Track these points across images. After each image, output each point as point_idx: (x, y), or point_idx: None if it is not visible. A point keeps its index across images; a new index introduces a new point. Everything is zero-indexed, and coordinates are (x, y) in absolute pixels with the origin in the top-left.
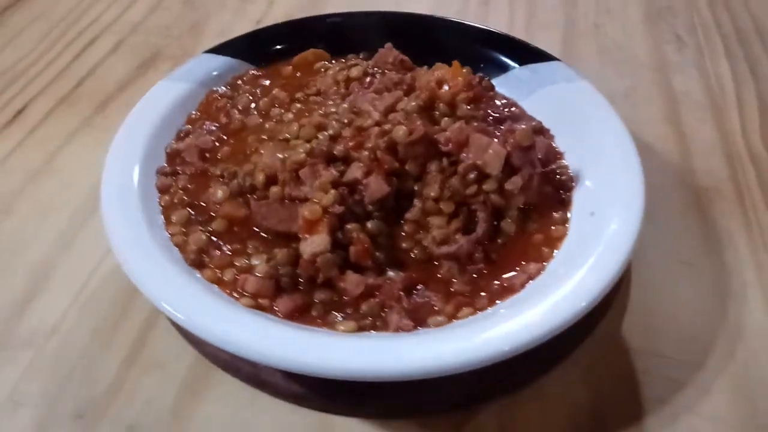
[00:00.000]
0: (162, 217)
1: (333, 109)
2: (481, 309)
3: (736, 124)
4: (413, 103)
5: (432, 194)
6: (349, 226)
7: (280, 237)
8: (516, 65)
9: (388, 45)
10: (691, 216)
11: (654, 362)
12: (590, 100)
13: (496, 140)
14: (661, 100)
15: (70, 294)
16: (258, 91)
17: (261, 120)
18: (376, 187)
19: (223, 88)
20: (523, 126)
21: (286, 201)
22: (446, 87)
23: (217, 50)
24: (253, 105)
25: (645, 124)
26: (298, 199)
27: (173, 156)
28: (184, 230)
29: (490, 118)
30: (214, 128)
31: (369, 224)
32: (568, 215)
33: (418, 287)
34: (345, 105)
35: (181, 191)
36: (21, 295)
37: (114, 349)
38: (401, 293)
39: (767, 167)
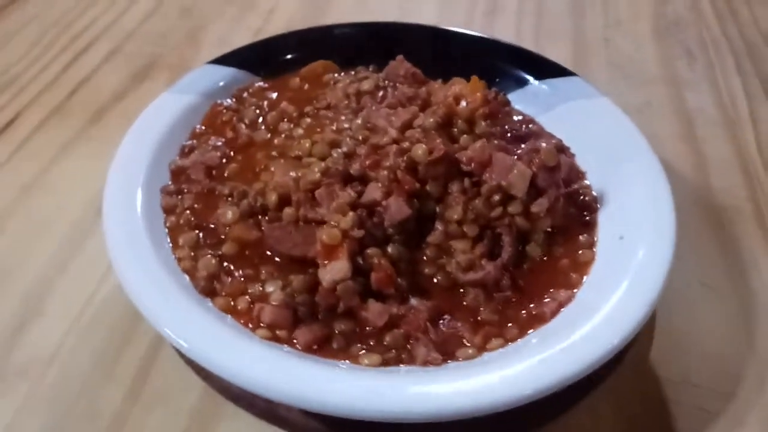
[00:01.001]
0: (168, 239)
1: (346, 125)
2: (512, 340)
3: (751, 142)
4: (431, 120)
5: (455, 217)
6: (369, 251)
7: (295, 262)
8: (533, 80)
9: (400, 57)
10: (711, 237)
11: (685, 392)
12: (611, 117)
13: (519, 160)
14: (675, 116)
15: (67, 319)
16: (265, 104)
17: (269, 135)
18: (396, 209)
19: (229, 100)
20: (547, 144)
21: (301, 223)
22: (464, 103)
23: (222, 61)
24: (260, 119)
25: (660, 140)
26: (314, 221)
27: (178, 174)
28: (192, 254)
29: (509, 135)
30: (220, 143)
31: (389, 248)
32: (595, 238)
33: (444, 316)
34: (358, 121)
35: (187, 212)
36: (14, 321)
37: (116, 381)
38: (427, 323)
39: None
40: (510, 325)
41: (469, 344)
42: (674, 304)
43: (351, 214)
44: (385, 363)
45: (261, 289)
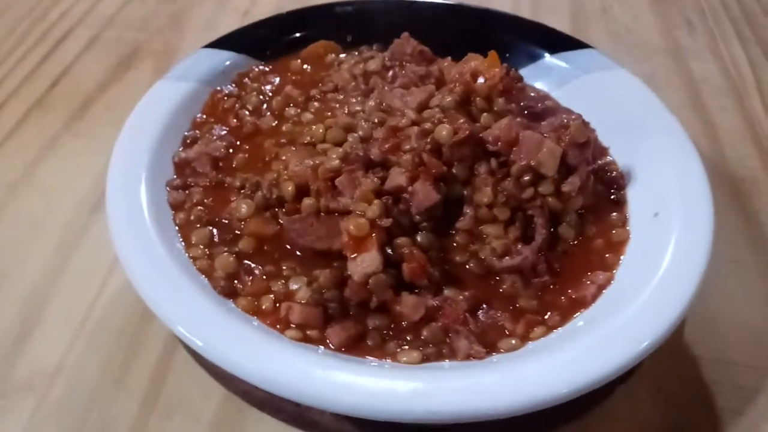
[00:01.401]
0: (180, 237)
1: (358, 108)
2: (554, 327)
3: (759, 111)
4: (449, 99)
5: (485, 200)
6: (398, 241)
7: (319, 255)
8: (546, 54)
9: (405, 35)
10: (731, 209)
11: (723, 370)
12: (631, 89)
13: (546, 137)
14: (682, 86)
15: (70, 327)
16: (267, 89)
17: (276, 122)
18: (424, 194)
19: (229, 86)
20: (569, 119)
21: (322, 214)
22: (482, 79)
23: (218, 45)
24: (264, 105)
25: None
26: (337, 211)
27: (182, 166)
28: (207, 252)
29: (525, 112)
30: (224, 132)
31: (419, 237)
32: (626, 216)
33: (482, 306)
34: (371, 102)
35: (198, 207)
36: (13, 332)
37: (129, 390)
38: (466, 315)
39: None
40: (551, 312)
41: (510, 334)
42: (704, 281)
43: (377, 202)
44: (425, 359)
45: (285, 286)
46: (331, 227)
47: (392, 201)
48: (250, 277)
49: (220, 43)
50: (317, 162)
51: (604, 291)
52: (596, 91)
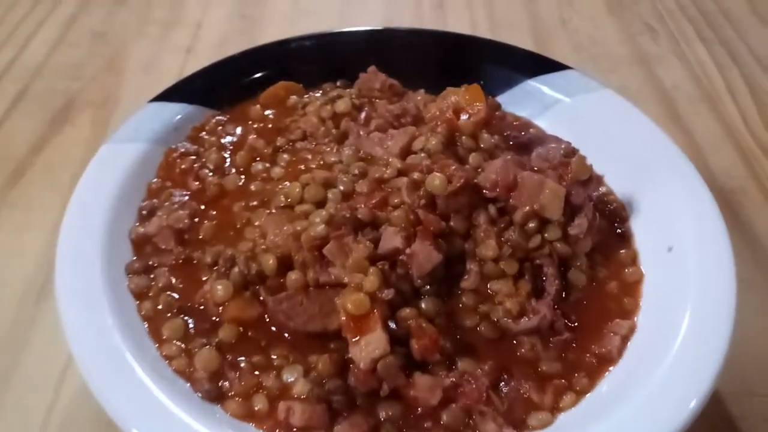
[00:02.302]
0: (148, 332)
1: (333, 158)
2: (583, 392)
3: (735, 116)
4: (434, 141)
5: (489, 254)
6: (401, 314)
7: (312, 337)
8: (524, 78)
9: (372, 68)
10: (730, 226)
11: (748, 403)
12: (620, 111)
13: (545, 176)
14: (654, 97)
15: None
16: (228, 141)
17: (243, 180)
18: (425, 256)
19: (185, 143)
20: (566, 150)
21: (311, 289)
22: (465, 116)
23: (166, 97)
24: (227, 161)
25: None
26: (328, 284)
27: (141, 244)
28: (184, 347)
29: (510, 144)
30: (185, 198)
31: (423, 304)
32: (635, 250)
33: (503, 376)
34: (347, 151)
35: (165, 293)
36: None
37: None
38: (489, 391)
39: None
40: (577, 374)
41: (539, 407)
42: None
43: (373, 270)
44: None
45: (278, 379)
46: (323, 304)
47: (389, 266)
48: (237, 373)
49: (169, 95)
50: (298, 228)
51: (628, 343)
52: (582, 116)
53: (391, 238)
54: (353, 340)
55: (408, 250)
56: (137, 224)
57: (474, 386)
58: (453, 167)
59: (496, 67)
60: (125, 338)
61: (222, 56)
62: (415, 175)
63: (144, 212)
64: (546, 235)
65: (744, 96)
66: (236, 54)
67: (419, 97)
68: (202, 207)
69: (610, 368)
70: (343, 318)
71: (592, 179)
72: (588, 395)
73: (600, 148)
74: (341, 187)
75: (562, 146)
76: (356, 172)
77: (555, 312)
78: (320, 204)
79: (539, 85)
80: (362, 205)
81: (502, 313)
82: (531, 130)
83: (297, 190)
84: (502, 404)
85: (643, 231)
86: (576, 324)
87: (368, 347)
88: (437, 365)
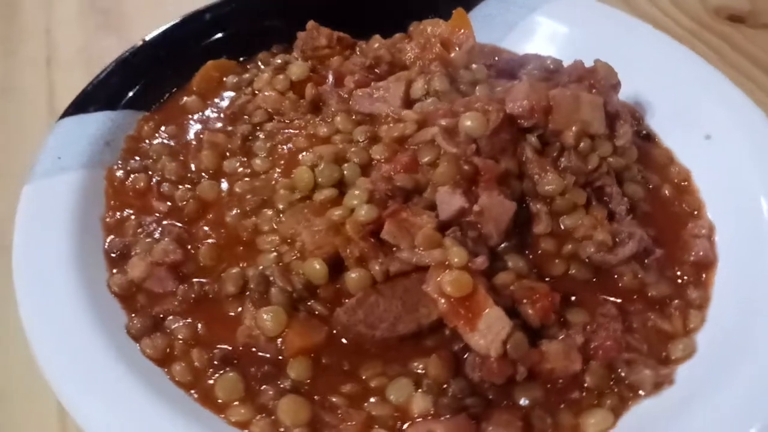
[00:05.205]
0: (197, 400)
1: (324, 129)
2: (701, 305)
3: None
4: (437, 81)
5: (554, 188)
6: (498, 281)
7: (403, 342)
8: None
9: (311, 23)
10: None
11: None
12: (592, 12)
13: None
14: None
15: None
16: (175, 143)
17: (220, 183)
18: (498, 208)
19: (126, 159)
20: (578, 63)
21: (379, 285)
22: (457, 49)
23: (78, 108)
24: (192, 166)
25: None
26: (402, 273)
27: (129, 295)
28: (252, 405)
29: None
30: (163, 223)
31: (510, 263)
32: (668, 148)
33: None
34: (339, 118)
35: (193, 348)
36: None
37: None
38: (624, 336)
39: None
40: (687, 289)
41: (673, 334)
42: None
43: (448, 241)
44: (616, 413)
45: (388, 403)
46: (405, 297)
47: (460, 232)
48: (338, 413)
49: (82, 105)
50: (335, 218)
51: (716, 239)
52: (555, 28)
53: (450, 199)
54: (466, 327)
55: (476, 207)
56: (114, 273)
57: (610, 335)
58: (479, 103)
59: None
60: (194, 423)
61: (93, 59)
62: (443, 122)
63: (113, 255)
64: (599, 152)
65: None
66: (146, 40)
67: (376, 44)
68: (185, 230)
69: (715, 271)
70: (444, 305)
71: (620, 82)
72: (710, 307)
73: (581, 54)
74: (356, 159)
75: (548, 60)
76: (362, 138)
77: (645, 231)
78: (339, 185)
79: (496, 5)
80: (392, 173)
81: (594, 248)
82: (503, 54)
83: (306, 175)
84: (642, 346)
85: (666, 128)
86: (656, 236)
87: (491, 330)
88: (551, 328)
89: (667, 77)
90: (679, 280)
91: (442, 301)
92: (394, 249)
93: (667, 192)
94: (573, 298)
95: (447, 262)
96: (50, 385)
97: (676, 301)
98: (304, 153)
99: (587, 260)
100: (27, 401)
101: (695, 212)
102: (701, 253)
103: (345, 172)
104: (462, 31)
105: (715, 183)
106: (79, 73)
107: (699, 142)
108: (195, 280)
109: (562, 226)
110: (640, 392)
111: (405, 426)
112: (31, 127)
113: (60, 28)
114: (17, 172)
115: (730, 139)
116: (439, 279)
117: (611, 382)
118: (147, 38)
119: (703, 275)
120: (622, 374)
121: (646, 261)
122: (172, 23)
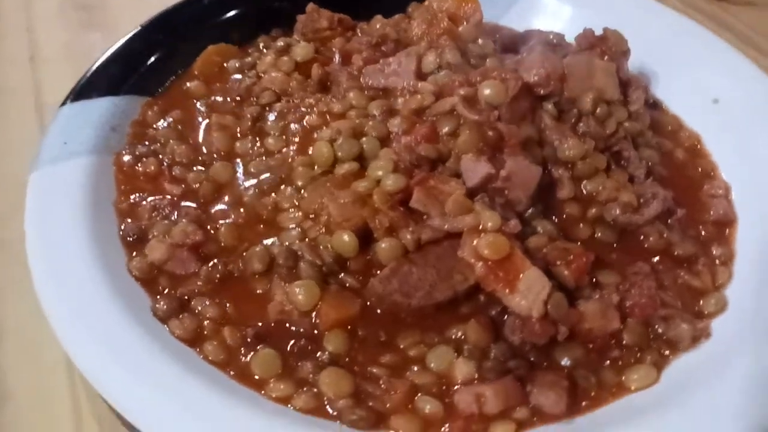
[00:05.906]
0: (235, 379)
1: (338, 106)
2: (725, 262)
3: None
4: (449, 54)
5: (575, 153)
6: (531, 244)
7: (439, 310)
8: None
9: (311, 6)
10: None
11: None
12: None
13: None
14: None
15: None
16: (182, 127)
17: (234, 164)
18: (525, 173)
19: (133, 144)
20: (587, 31)
21: (411, 254)
22: (465, 23)
23: (82, 94)
24: (203, 148)
25: None
26: (435, 241)
27: (151, 278)
28: (292, 380)
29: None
30: (181, 205)
31: (539, 228)
32: (676, 114)
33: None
34: (352, 94)
35: (224, 326)
36: None
37: None
38: (658, 292)
39: None
40: (711, 246)
41: (703, 290)
42: None
43: (479, 206)
44: (658, 368)
45: (429, 371)
46: (438, 264)
47: (488, 198)
48: (382, 384)
49: (86, 91)
50: (360, 189)
51: (732, 197)
52: (555, 4)
53: (476, 166)
54: (505, 290)
55: (503, 172)
56: (133, 256)
57: (644, 293)
58: (495, 71)
59: None
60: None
61: (77, 55)
62: (462, 91)
63: (130, 239)
64: (616, 116)
65: None
66: (147, 23)
67: (378, 24)
68: (201, 211)
69: (736, 228)
70: (482, 269)
71: (629, 49)
72: (736, 263)
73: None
74: (374, 133)
75: (551, 35)
76: (378, 111)
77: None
78: (359, 158)
79: None
80: (413, 144)
81: (620, 210)
82: (503, 31)
83: (326, 149)
84: (676, 302)
85: (672, 94)
86: (675, 197)
87: (531, 291)
88: (584, 289)
89: (669, 47)
90: (702, 239)
91: (480, 264)
92: (425, 217)
93: (680, 156)
94: (601, 260)
95: (480, 227)
96: (86, 376)
97: (702, 258)
98: (319, 130)
99: (612, 222)
100: (30, 400)
101: (711, 173)
102: (721, 212)
103: (364, 146)
104: (468, 4)
105: (726, 144)
106: (64, 69)
107: (706, 108)
108: (217, 260)
109: (585, 191)
110: (679, 346)
111: (452, 391)
112: (18, 125)
113: (41, 26)
114: (7, 171)
115: (738, 100)
116: (474, 243)
117: (649, 340)
118: (145, 23)
119: (727, 231)
120: (659, 330)
121: (669, 221)
122: (171, 6)
